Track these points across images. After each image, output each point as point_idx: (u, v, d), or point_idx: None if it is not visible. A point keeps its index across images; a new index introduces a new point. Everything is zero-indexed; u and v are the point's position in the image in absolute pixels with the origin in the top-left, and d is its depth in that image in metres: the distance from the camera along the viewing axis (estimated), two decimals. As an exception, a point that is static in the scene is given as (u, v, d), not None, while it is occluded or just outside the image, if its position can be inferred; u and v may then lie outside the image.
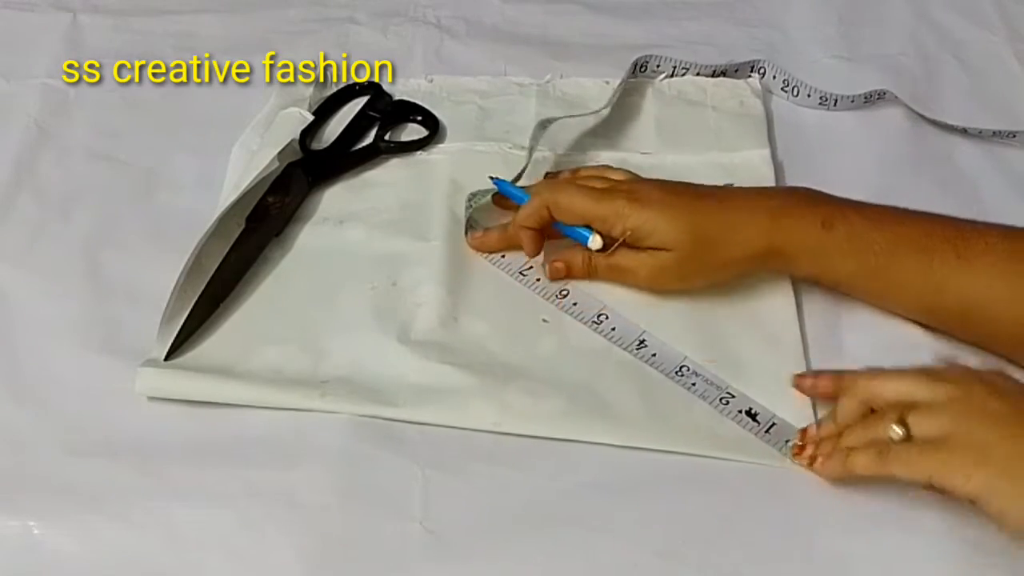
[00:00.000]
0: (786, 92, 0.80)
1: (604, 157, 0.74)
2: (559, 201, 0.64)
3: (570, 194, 0.64)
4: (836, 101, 0.79)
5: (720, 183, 0.72)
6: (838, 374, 0.58)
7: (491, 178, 0.69)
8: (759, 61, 0.80)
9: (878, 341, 0.63)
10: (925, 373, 0.55)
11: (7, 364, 0.63)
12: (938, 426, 0.51)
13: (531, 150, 0.71)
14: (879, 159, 0.76)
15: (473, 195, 0.69)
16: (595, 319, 0.64)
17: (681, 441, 0.58)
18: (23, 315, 0.66)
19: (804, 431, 0.58)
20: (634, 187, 0.65)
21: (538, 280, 0.66)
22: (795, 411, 0.59)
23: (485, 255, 0.68)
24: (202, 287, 0.64)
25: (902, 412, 0.52)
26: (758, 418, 0.59)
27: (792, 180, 0.74)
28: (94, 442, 0.59)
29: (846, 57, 0.82)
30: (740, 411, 0.59)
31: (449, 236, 0.68)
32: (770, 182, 0.72)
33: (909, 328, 0.63)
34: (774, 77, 0.80)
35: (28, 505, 0.56)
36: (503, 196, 0.69)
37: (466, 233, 0.68)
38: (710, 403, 0.59)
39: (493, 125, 0.77)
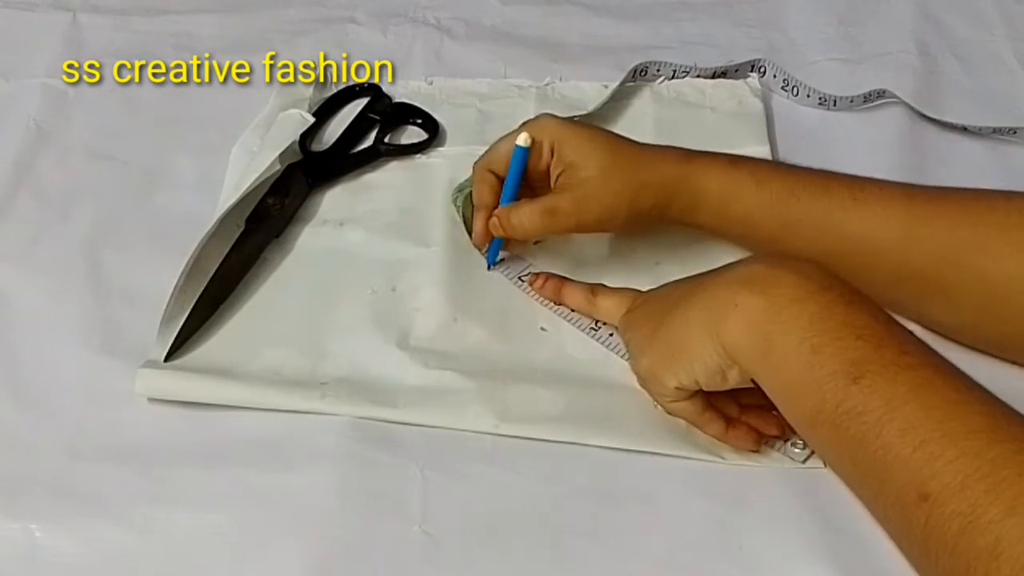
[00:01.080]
0: (786, 91, 0.80)
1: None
2: (494, 156, 0.66)
3: (501, 144, 0.66)
4: (835, 101, 0.79)
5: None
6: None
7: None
8: (759, 60, 0.80)
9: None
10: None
11: (6, 364, 0.63)
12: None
13: None
14: (880, 159, 0.75)
15: (458, 191, 0.70)
16: (592, 326, 0.64)
17: (678, 445, 0.58)
18: (23, 315, 0.66)
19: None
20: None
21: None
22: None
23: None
24: (202, 288, 0.65)
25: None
26: None
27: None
28: (94, 444, 0.59)
29: (846, 57, 0.82)
30: None
31: (448, 241, 0.68)
32: None
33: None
34: (774, 76, 0.80)
35: (29, 507, 0.56)
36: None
37: (469, 233, 0.68)
38: None
39: (493, 128, 0.76)
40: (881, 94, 0.79)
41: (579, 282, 0.65)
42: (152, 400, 0.61)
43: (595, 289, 0.64)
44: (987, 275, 0.57)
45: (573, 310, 0.65)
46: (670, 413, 0.58)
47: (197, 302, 0.64)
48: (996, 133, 0.76)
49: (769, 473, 0.57)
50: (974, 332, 0.60)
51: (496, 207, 0.65)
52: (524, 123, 0.65)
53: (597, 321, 0.64)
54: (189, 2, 0.89)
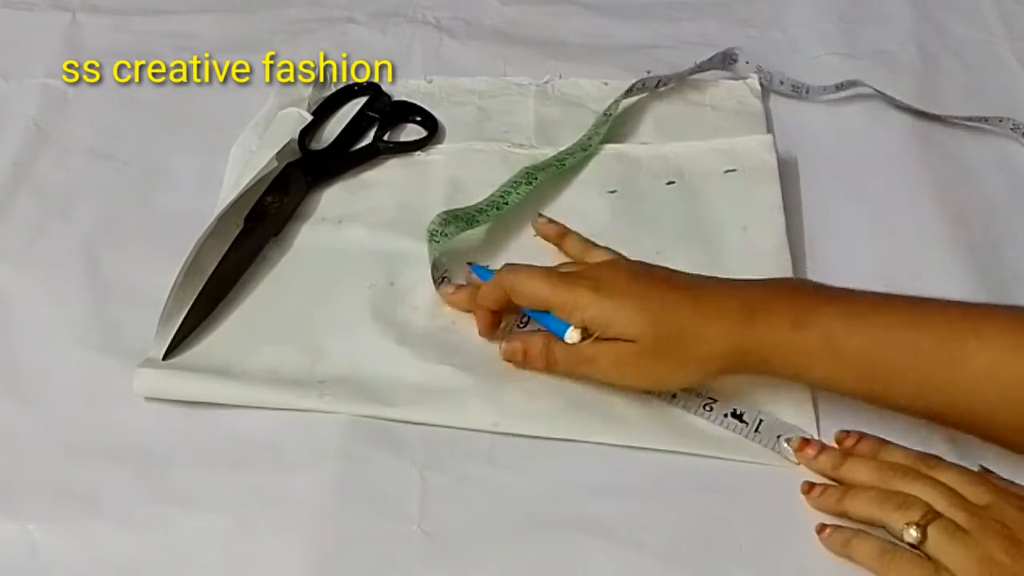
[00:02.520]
0: (758, 76, 0.80)
1: (604, 149, 0.74)
2: (516, 286, 0.60)
3: (529, 278, 0.59)
4: (808, 90, 0.79)
5: (721, 170, 0.72)
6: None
7: (469, 265, 0.66)
8: (731, 50, 0.80)
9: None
10: (958, 477, 0.53)
11: (5, 364, 0.63)
12: (949, 555, 0.49)
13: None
14: (880, 158, 0.75)
15: (434, 233, 0.66)
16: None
17: (679, 441, 0.58)
18: (22, 315, 0.66)
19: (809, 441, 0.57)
20: (601, 273, 0.59)
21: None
22: (793, 414, 0.59)
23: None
24: (200, 287, 0.64)
25: (924, 518, 0.51)
26: (744, 418, 0.59)
27: (793, 178, 0.73)
28: (93, 444, 0.59)
29: (846, 56, 0.82)
30: (726, 414, 0.59)
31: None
32: (772, 168, 0.72)
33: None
34: (747, 62, 0.80)
35: (27, 508, 0.56)
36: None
37: (432, 274, 0.65)
38: (694, 412, 0.59)
39: (492, 126, 0.77)
40: (853, 83, 0.79)
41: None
42: (151, 399, 0.61)
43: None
44: None
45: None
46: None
47: (195, 301, 0.64)
48: (969, 121, 0.77)
49: (768, 470, 0.57)
50: None
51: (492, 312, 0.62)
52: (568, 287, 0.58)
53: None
54: (189, 2, 0.89)
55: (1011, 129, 0.76)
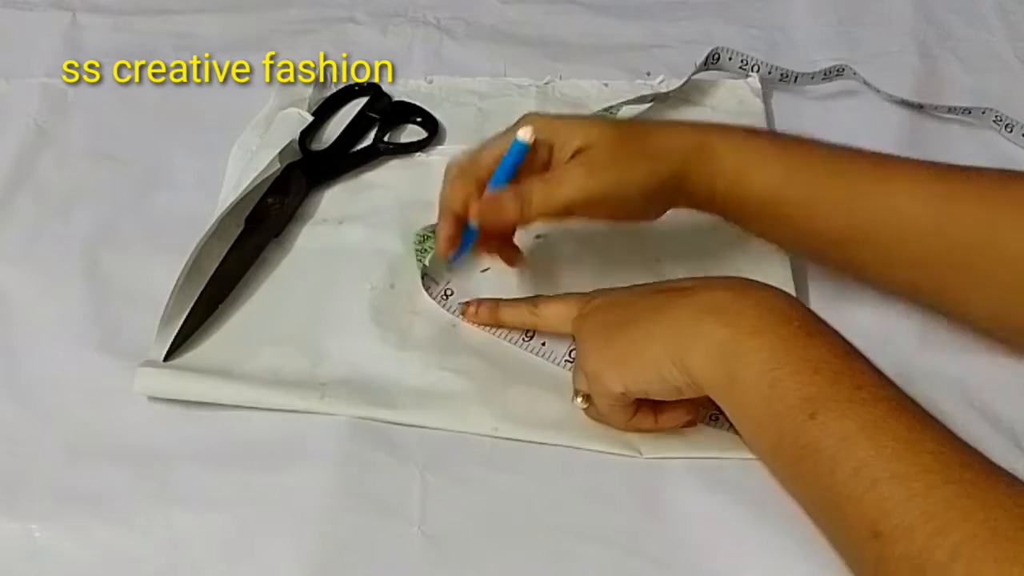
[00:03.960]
0: (744, 70, 0.80)
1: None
2: (477, 158, 0.61)
3: (483, 146, 0.61)
4: (796, 78, 0.79)
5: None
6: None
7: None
8: (715, 49, 0.80)
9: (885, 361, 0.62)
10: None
11: (6, 364, 0.63)
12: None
13: None
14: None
15: (422, 239, 0.67)
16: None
17: (677, 447, 0.58)
18: (23, 315, 0.66)
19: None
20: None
21: (543, 344, 0.63)
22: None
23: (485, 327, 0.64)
24: (201, 288, 0.65)
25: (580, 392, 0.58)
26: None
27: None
28: (93, 444, 0.59)
29: (846, 57, 0.82)
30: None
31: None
32: None
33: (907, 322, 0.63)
34: (730, 59, 0.80)
35: (28, 508, 0.56)
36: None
37: (423, 279, 0.65)
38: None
39: (492, 127, 0.75)
40: (840, 71, 0.79)
41: (515, 299, 0.63)
42: (152, 400, 0.61)
43: (536, 301, 0.62)
44: (1015, 258, 0.55)
45: (516, 328, 0.63)
46: (596, 416, 0.58)
47: (196, 302, 0.64)
48: (951, 112, 0.77)
49: (766, 473, 0.57)
50: (997, 319, 0.59)
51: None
52: (514, 124, 0.60)
53: (528, 331, 0.63)
54: (189, 2, 0.89)
55: (993, 121, 0.76)
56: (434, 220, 0.68)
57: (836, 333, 0.52)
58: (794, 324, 0.51)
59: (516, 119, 0.76)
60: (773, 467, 0.53)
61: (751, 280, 0.55)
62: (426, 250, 0.66)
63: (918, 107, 0.78)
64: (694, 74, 0.79)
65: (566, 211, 0.59)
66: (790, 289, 0.64)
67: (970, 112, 0.77)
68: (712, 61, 0.80)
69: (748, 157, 0.59)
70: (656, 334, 0.53)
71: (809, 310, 0.53)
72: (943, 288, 0.59)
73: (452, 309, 0.65)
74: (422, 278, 0.65)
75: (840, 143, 0.60)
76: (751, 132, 0.61)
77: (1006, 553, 0.42)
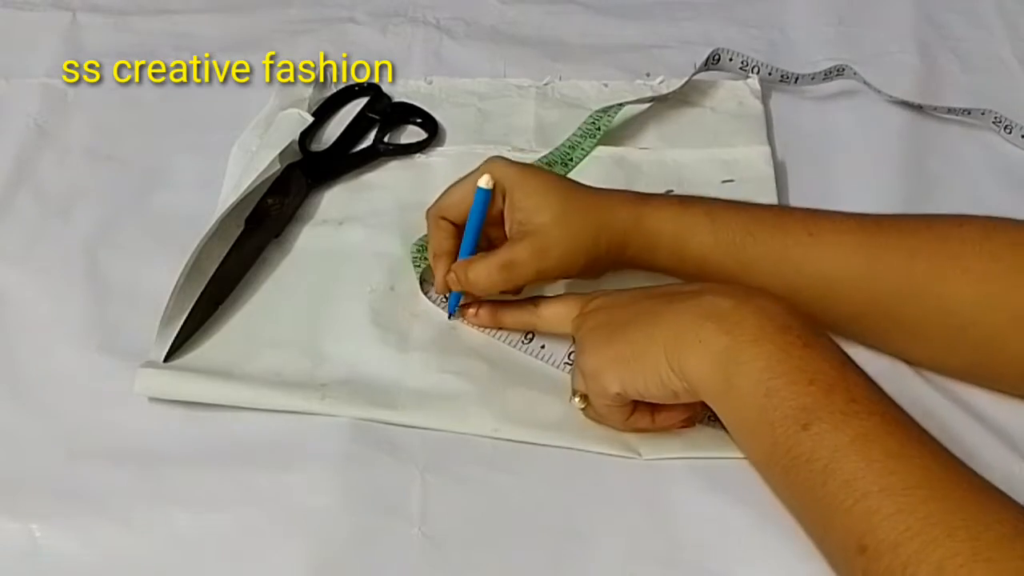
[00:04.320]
0: (744, 71, 0.80)
1: (602, 153, 0.74)
2: (444, 206, 0.64)
3: (450, 193, 0.64)
4: (797, 79, 0.79)
5: (720, 179, 0.73)
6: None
7: None
8: (715, 50, 0.80)
9: (884, 362, 0.62)
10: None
11: (6, 364, 0.64)
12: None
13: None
14: (879, 157, 0.76)
15: (420, 247, 0.67)
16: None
17: (678, 448, 0.58)
18: (23, 315, 0.66)
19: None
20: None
21: (542, 347, 0.63)
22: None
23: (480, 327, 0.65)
24: (201, 288, 0.65)
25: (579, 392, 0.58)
26: None
27: (793, 179, 0.74)
28: (94, 444, 0.59)
29: (846, 57, 0.82)
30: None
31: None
32: (770, 180, 0.73)
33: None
34: (730, 60, 0.80)
35: (28, 507, 0.56)
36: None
37: (421, 285, 0.66)
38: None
39: (492, 127, 0.77)
40: (840, 71, 0.79)
41: (516, 300, 0.64)
42: (152, 400, 0.61)
43: (536, 301, 0.63)
44: (945, 306, 0.57)
45: (516, 329, 0.63)
46: (594, 416, 0.58)
47: (196, 302, 0.64)
48: (951, 113, 0.77)
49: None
50: (938, 362, 0.60)
51: (455, 253, 0.63)
52: (476, 169, 0.63)
53: (527, 334, 0.63)
54: (189, 2, 0.89)
55: (993, 122, 0.77)
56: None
57: (834, 344, 0.52)
58: (792, 333, 0.51)
59: (516, 120, 0.78)
60: (766, 475, 0.53)
61: (752, 288, 0.56)
62: (424, 257, 0.66)
63: (918, 107, 0.78)
64: (694, 75, 0.79)
65: (515, 286, 0.62)
66: None
67: (970, 113, 0.77)
68: (713, 62, 0.80)
69: (682, 228, 0.61)
70: (656, 336, 0.54)
71: (808, 320, 0.53)
72: (883, 337, 0.61)
73: (452, 314, 0.65)
74: (420, 283, 0.65)
75: (774, 204, 0.64)
76: (685, 202, 0.62)
77: (986, 572, 0.42)
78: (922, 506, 0.45)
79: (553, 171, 0.69)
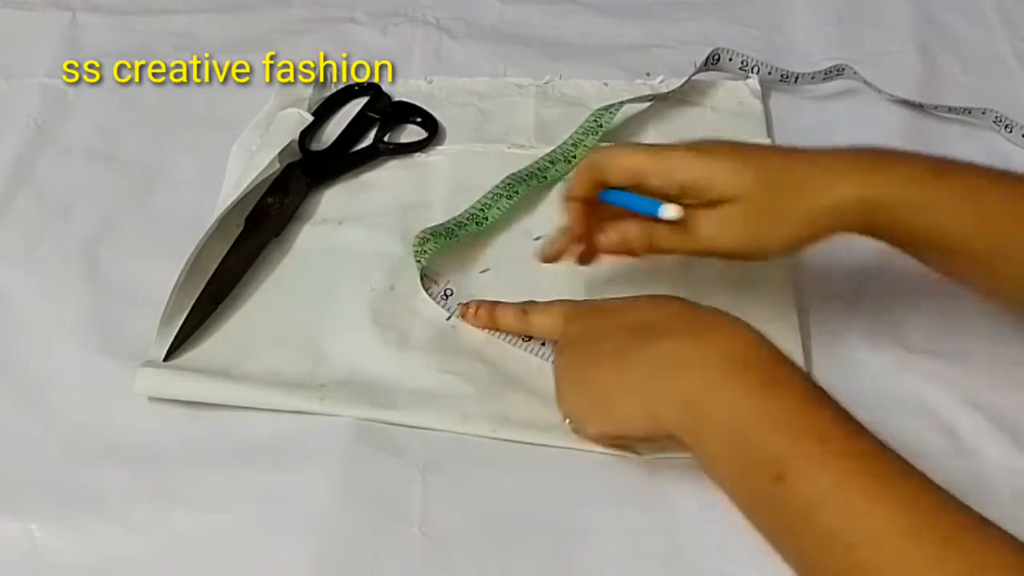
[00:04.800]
0: (744, 71, 0.80)
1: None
2: (609, 160, 0.57)
3: (621, 150, 0.58)
4: (797, 78, 0.79)
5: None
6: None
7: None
8: (715, 50, 0.79)
9: (887, 358, 0.63)
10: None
11: (6, 364, 0.64)
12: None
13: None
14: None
15: (422, 240, 0.66)
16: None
17: (676, 447, 0.57)
18: (22, 315, 0.66)
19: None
20: (698, 141, 0.57)
21: (542, 345, 0.63)
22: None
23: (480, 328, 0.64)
24: (201, 288, 0.65)
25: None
26: None
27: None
28: (94, 444, 0.59)
29: (846, 57, 0.82)
30: None
31: (447, 240, 0.68)
32: None
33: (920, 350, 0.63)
34: (730, 59, 0.80)
35: (28, 507, 0.56)
36: None
37: (422, 281, 0.65)
38: None
39: (492, 126, 0.77)
40: (840, 71, 0.79)
41: (510, 304, 0.63)
42: (152, 400, 0.61)
43: (526, 308, 0.62)
44: None
45: (511, 332, 0.63)
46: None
47: (196, 302, 0.64)
48: (952, 112, 0.77)
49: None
50: None
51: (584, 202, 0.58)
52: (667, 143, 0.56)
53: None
54: (189, 2, 0.89)
55: (993, 122, 0.77)
56: (433, 221, 0.69)
57: (801, 376, 0.49)
58: (754, 372, 0.49)
59: (516, 118, 0.77)
60: (751, 521, 0.49)
61: (715, 317, 0.52)
62: (426, 251, 0.66)
63: (918, 107, 0.78)
64: (694, 75, 0.79)
65: (688, 255, 0.58)
66: (791, 319, 0.64)
67: (970, 112, 0.77)
68: (712, 62, 0.80)
69: (930, 217, 0.52)
70: (626, 383, 0.52)
71: (774, 350, 0.50)
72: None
73: (452, 309, 0.65)
74: (421, 279, 0.65)
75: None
76: (939, 172, 0.53)
77: None
78: (914, 550, 0.42)
79: (742, 147, 0.57)
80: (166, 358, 0.62)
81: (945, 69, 0.83)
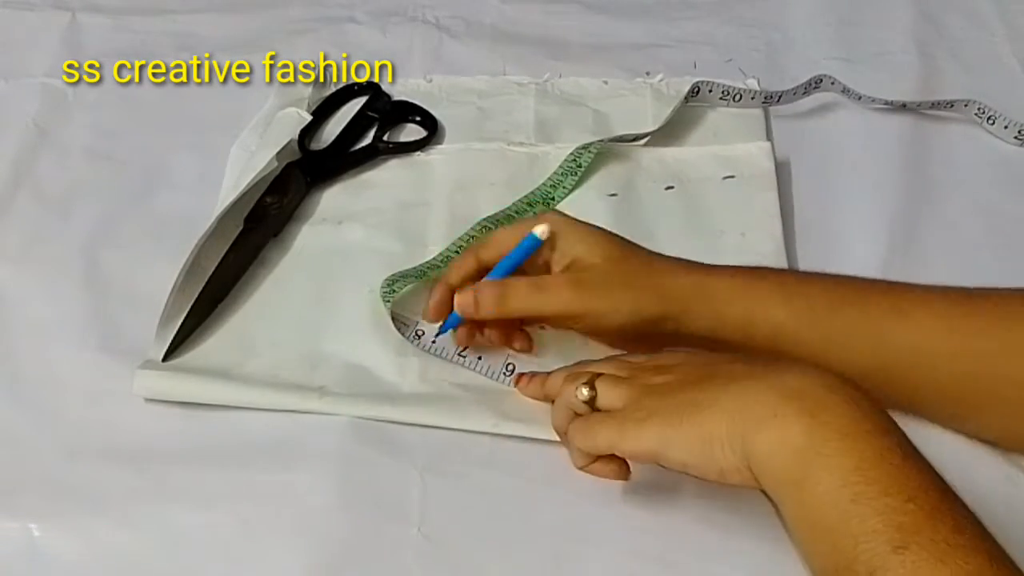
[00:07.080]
0: (725, 101, 0.78)
1: (603, 150, 0.74)
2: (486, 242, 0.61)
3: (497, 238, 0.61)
4: (779, 97, 0.78)
5: (720, 176, 0.73)
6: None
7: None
8: (697, 83, 0.77)
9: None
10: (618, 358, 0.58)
11: (6, 364, 0.64)
12: (616, 396, 0.52)
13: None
14: (879, 158, 0.75)
15: (390, 283, 0.64)
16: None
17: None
18: (22, 315, 0.66)
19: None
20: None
21: (479, 359, 0.62)
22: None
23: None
24: (200, 288, 0.65)
25: (592, 377, 0.53)
26: None
27: (793, 176, 0.74)
28: (93, 444, 0.59)
29: (846, 58, 0.82)
30: None
31: (447, 239, 0.68)
32: (771, 175, 0.72)
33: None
34: (710, 91, 0.77)
35: (27, 507, 0.56)
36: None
37: (393, 322, 0.62)
38: None
39: (492, 125, 0.77)
40: (819, 82, 0.78)
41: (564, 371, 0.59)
42: (151, 400, 0.61)
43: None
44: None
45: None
46: (559, 421, 0.56)
47: (195, 302, 0.64)
48: (935, 108, 0.77)
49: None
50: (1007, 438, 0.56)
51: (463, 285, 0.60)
52: (527, 219, 0.60)
53: (464, 348, 0.62)
54: (189, 2, 0.89)
55: (975, 114, 0.76)
56: (433, 221, 0.69)
57: (932, 466, 0.45)
58: (892, 438, 0.44)
59: (516, 117, 0.77)
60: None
61: (846, 378, 0.47)
62: (394, 291, 0.64)
63: (901, 107, 0.77)
64: (675, 110, 0.76)
65: (543, 320, 0.61)
66: None
67: (952, 105, 0.77)
68: (693, 95, 0.77)
69: (753, 304, 0.56)
70: (723, 402, 0.47)
71: (900, 429, 0.46)
72: (979, 419, 0.56)
73: (425, 348, 0.63)
74: (392, 320, 0.63)
75: (848, 275, 0.58)
76: (755, 273, 0.58)
77: None
78: None
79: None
80: (165, 358, 0.62)
81: (945, 69, 0.83)
